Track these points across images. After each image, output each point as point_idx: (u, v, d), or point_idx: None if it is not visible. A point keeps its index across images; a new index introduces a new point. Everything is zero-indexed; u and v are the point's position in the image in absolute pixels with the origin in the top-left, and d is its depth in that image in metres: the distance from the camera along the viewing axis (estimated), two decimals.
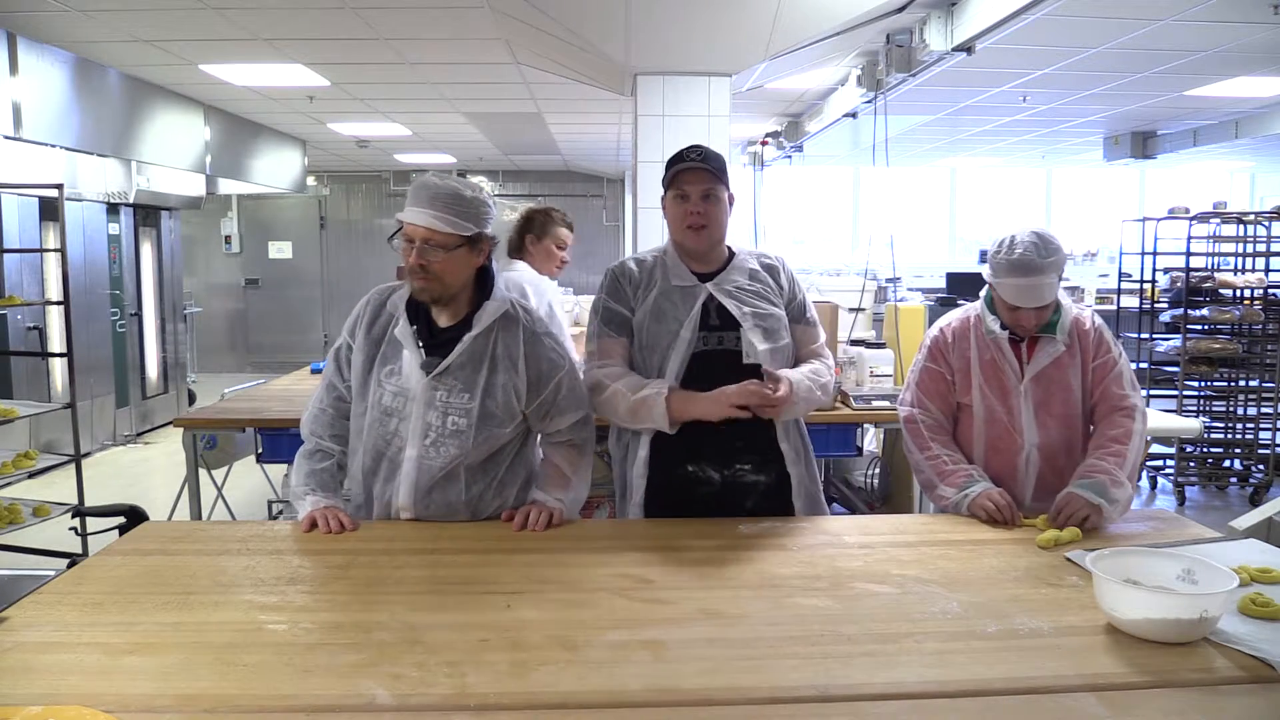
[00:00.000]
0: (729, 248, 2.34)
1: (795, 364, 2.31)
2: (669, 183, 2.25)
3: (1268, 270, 5.96)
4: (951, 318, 2.42)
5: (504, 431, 2.11)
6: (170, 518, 4.06)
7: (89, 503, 4.21)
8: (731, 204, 2.28)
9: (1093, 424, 2.31)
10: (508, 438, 2.13)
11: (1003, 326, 2.28)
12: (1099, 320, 2.33)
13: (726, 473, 2.24)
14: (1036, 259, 2.15)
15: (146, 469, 6.61)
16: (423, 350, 2.08)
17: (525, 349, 2.11)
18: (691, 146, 2.26)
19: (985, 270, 2.27)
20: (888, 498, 4.46)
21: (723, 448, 2.22)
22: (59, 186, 4.41)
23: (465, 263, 2.05)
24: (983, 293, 2.36)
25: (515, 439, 2.17)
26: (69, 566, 1.85)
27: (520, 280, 3.50)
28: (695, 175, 2.21)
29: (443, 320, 2.11)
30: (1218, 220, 6.02)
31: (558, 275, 3.85)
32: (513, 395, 2.11)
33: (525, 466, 2.22)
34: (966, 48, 4.71)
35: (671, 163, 2.25)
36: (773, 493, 2.27)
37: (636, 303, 2.27)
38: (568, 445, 2.23)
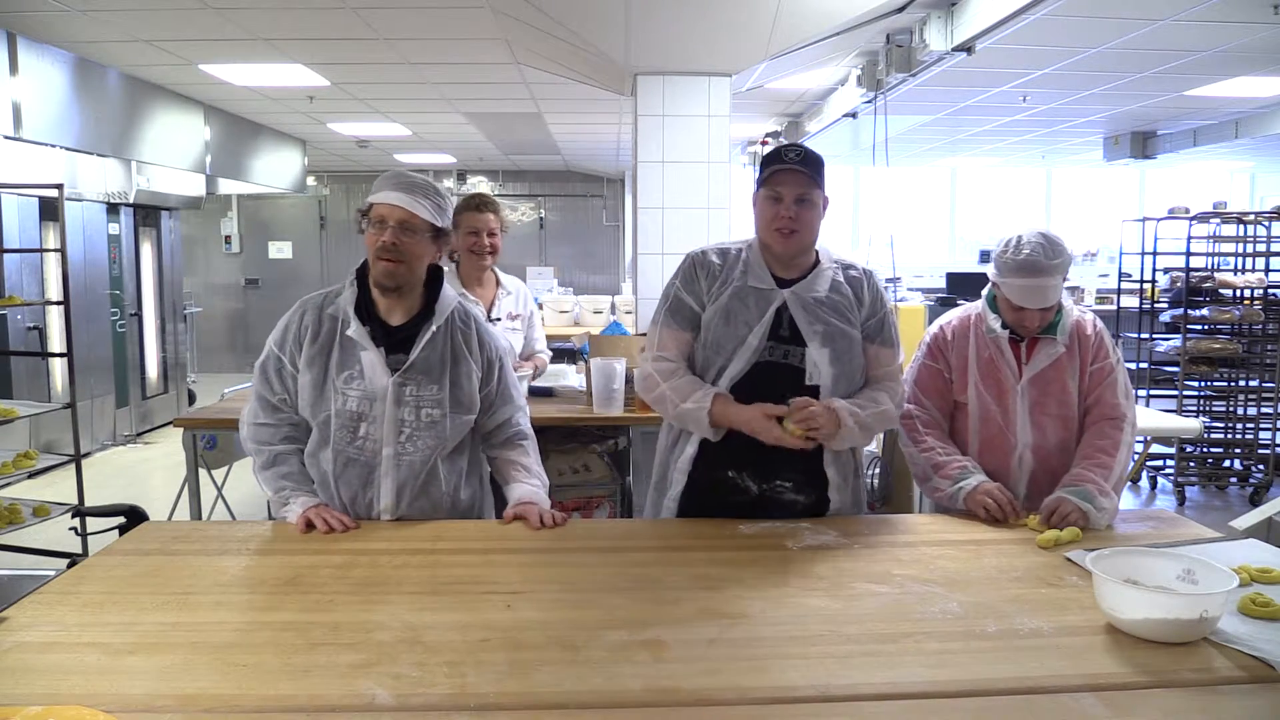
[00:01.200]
0: (816, 251, 2.22)
1: (862, 387, 2.21)
2: (763, 181, 2.13)
3: (1268, 270, 5.96)
4: (952, 316, 2.42)
5: (470, 419, 2.16)
6: (170, 518, 4.06)
7: (89, 503, 4.21)
8: (826, 207, 2.15)
9: (1083, 428, 2.31)
10: (469, 426, 2.18)
11: (1004, 326, 2.28)
12: (1100, 325, 2.34)
13: (765, 486, 2.17)
14: (1044, 260, 2.15)
15: (146, 469, 6.61)
16: (383, 350, 2.08)
17: (479, 339, 2.18)
18: (790, 145, 2.12)
19: (990, 269, 2.27)
20: (888, 498, 4.46)
21: (765, 461, 2.15)
22: (59, 186, 4.40)
23: (428, 253, 2.10)
24: (984, 291, 2.37)
25: (468, 432, 2.20)
26: (69, 566, 1.85)
27: None
28: (792, 177, 2.08)
29: (394, 319, 2.11)
30: (1218, 220, 6.02)
31: (488, 263, 3.47)
32: (475, 383, 2.16)
33: (480, 458, 2.28)
34: (966, 48, 4.71)
35: (768, 160, 2.12)
36: (809, 514, 2.18)
37: (709, 299, 2.17)
38: (513, 443, 2.27)
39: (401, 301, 2.11)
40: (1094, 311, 2.41)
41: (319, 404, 2.09)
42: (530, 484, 2.20)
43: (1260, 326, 5.85)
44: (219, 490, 4.24)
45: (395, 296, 2.10)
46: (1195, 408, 6.21)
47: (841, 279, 2.20)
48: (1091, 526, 2.07)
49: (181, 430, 3.61)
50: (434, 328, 2.10)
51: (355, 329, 2.07)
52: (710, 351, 2.17)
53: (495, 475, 2.31)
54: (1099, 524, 2.08)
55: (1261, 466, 5.93)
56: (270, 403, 2.14)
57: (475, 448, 2.27)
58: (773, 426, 2.04)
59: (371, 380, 2.06)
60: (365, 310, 2.10)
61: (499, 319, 3.50)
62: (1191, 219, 5.86)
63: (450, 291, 2.18)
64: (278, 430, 2.14)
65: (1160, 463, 6.08)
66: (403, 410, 2.07)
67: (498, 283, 3.59)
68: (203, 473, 3.71)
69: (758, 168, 2.17)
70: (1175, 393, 6.00)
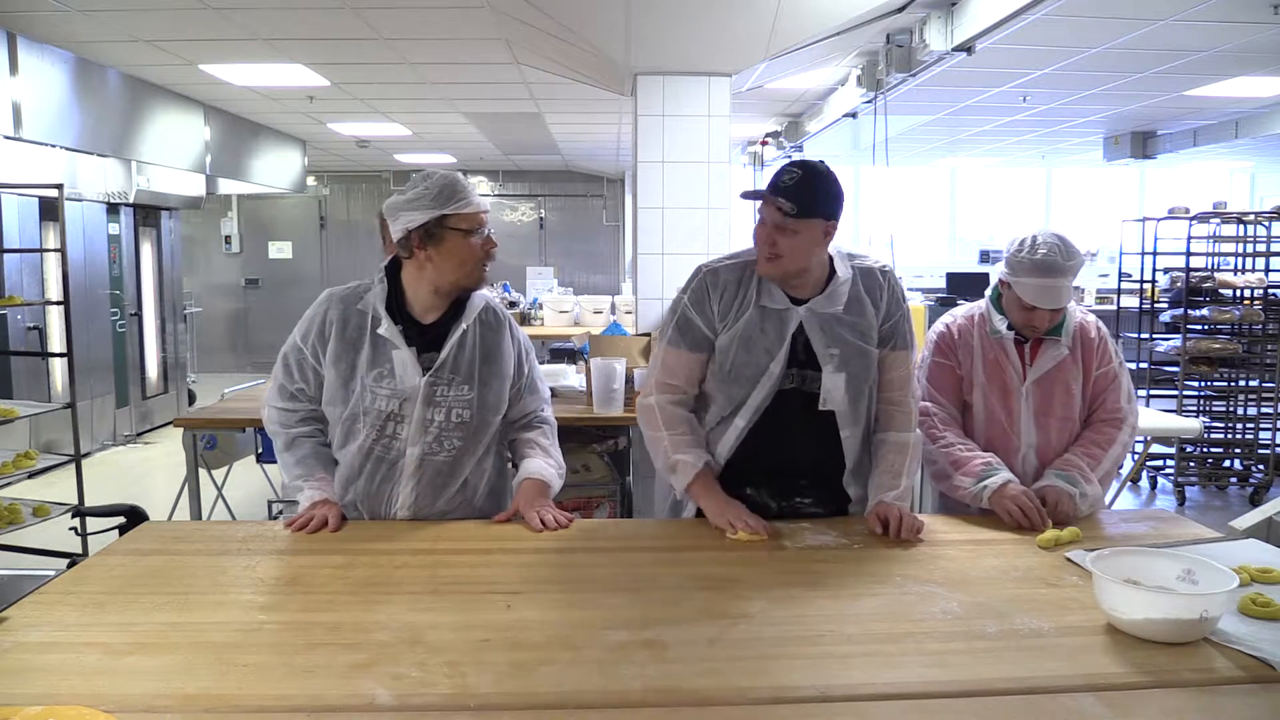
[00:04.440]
0: (831, 256, 2.05)
1: (880, 393, 2.12)
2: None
3: (1268, 270, 5.97)
4: (956, 315, 2.41)
5: (497, 419, 2.16)
6: (170, 518, 4.06)
7: (89, 503, 4.21)
8: (828, 234, 1.97)
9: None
10: (495, 426, 2.17)
11: (1009, 327, 2.28)
12: (1103, 328, 2.35)
13: (785, 504, 2.14)
14: (1060, 260, 2.16)
15: (146, 469, 6.61)
16: (413, 349, 2.07)
17: (509, 335, 2.18)
18: (788, 168, 1.95)
19: (1001, 269, 2.26)
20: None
21: (784, 478, 2.13)
22: (59, 186, 4.41)
23: None
24: (988, 291, 2.36)
25: (494, 432, 2.20)
26: (69, 566, 1.85)
27: None
28: (769, 206, 1.95)
29: (429, 317, 2.10)
30: (1218, 220, 6.03)
31: None
32: (505, 381, 2.16)
33: (499, 459, 2.26)
34: (966, 48, 4.71)
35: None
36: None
37: (723, 324, 2.05)
38: (535, 426, 2.26)
39: (447, 298, 2.10)
40: (1094, 312, 2.42)
41: (344, 400, 2.08)
42: (543, 461, 2.18)
43: (1260, 326, 5.85)
44: (219, 490, 4.24)
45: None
46: (1195, 408, 6.21)
47: (861, 288, 2.06)
48: (1076, 512, 2.11)
49: (181, 430, 3.62)
50: (464, 326, 2.09)
51: (386, 327, 2.04)
52: (728, 383, 2.06)
53: (513, 457, 2.28)
54: (1082, 509, 2.13)
55: (1261, 466, 5.93)
56: (289, 390, 2.15)
57: (495, 452, 2.22)
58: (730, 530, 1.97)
59: (403, 380, 2.05)
60: (395, 308, 2.08)
61: None
62: (1191, 219, 5.86)
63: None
64: (295, 414, 2.16)
65: (1160, 463, 6.08)
66: (432, 410, 2.06)
67: None
68: (203, 473, 3.71)
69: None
70: (1175, 393, 6.00)
